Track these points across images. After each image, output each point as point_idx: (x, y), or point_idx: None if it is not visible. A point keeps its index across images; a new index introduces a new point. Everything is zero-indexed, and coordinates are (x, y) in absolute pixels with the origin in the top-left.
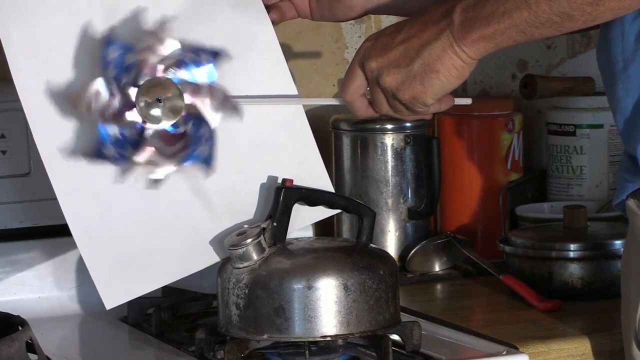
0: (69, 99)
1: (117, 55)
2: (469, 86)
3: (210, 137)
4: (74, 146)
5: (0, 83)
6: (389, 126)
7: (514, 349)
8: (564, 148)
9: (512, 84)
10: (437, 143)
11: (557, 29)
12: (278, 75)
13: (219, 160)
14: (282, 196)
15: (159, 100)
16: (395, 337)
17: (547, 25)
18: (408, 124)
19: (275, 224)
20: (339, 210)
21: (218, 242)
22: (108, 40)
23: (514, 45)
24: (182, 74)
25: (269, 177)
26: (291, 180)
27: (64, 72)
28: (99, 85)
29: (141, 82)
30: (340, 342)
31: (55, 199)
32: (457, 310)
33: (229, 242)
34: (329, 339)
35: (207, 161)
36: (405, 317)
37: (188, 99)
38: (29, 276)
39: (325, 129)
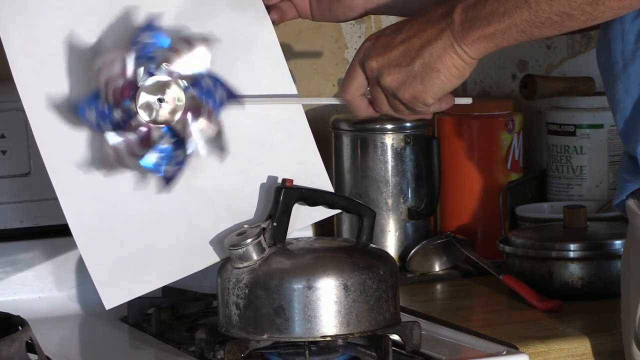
0: (94, 71)
1: (149, 41)
2: (469, 86)
3: (182, 160)
4: (82, 156)
5: (0, 83)
6: (389, 126)
7: (514, 349)
8: (564, 148)
9: (512, 84)
10: (437, 143)
11: (558, 28)
12: (278, 75)
13: (228, 148)
14: (282, 196)
15: (159, 101)
16: (395, 337)
17: (547, 25)
18: (408, 124)
19: (275, 224)
20: (339, 210)
21: (218, 242)
22: (148, 24)
23: (514, 45)
24: (177, 69)
25: (269, 177)
26: (291, 180)
27: (63, 80)
28: (117, 55)
29: (155, 74)
30: (340, 342)
31: (55, 199)
32: (457, 310)
33: (229, 242)
34: (329, 339)
35: (167, 180)
36: (405, 317)
37: (187, 92)
38: (29, 276)
39: (325, 129)
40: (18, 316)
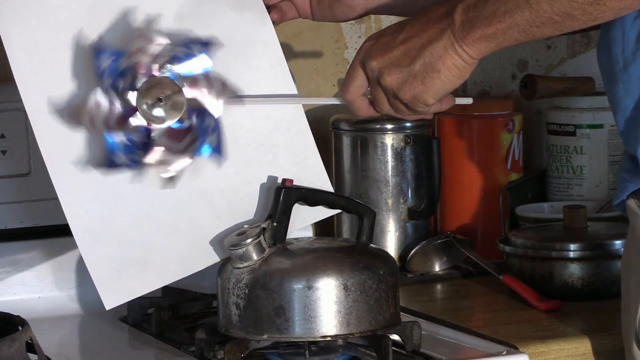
0: (71, 114)
1: (110, 62)
2: (469, 86)
3: (216, 126)
4: (85, 159)
5: (0, 83)
6: (389, 126)
7: (514, 349)
8: (564, 148)
9: (512, 84)
10: (437, 143)
11: (558, 28)
12: (278, 75)
13: (227, 143)
14: (282, 196)
15: (159, 100)
16: (395, 337)
17: (548, 25)
18: (408, 124)
19: (275, 224)
20: (338, 210)
21: (218, 242)
22: (98, 49)
23: (515, 45)
24: (178, 69)
25: (269, 177)
26: (291, 180)
27: (63, 81)
28: (98, 96)
29: (139, 85)
30: (340, 342)
31: (55, 198)
32: (457, 310)
33: (229, 242)
34: (329, 339)
35: (217, 150)
36: (405, 317)
37: (188, 92)
38: (29, 276)
39: (325, 129)
40: (18, 316)
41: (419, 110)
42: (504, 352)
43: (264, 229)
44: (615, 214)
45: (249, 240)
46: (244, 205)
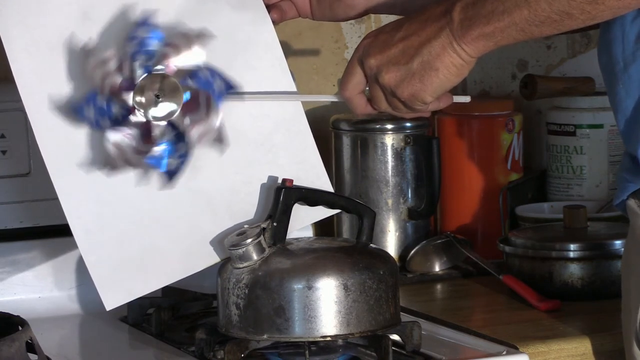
0: (79, 56)
1: (145, 36)
2: (469, 86)
3: (185, 153)
4: (82, 156)
5: (1, 83)
6: (389, 126)
7: (514, 349)
8: (564, 148)
9: (512, 84)
10: (437, 143)
11: (557, 27)
12: (278, 75)
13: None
14: (282, 196)
15: (157, 97)
16: (395, 337)
17: (546, 24)
18: (408, 124)
19: (275, 224)
20: (338, 210)
21: (218, 242)
22: (144, 20)
23: (514, 43)
24: (174, 65)
25: (269, 177)
26: (291, 180)
27: (63, 81)
28: (112, 53)
29: (152, 70)
30: (340, 342)
31: (55, 198)
32: (457, 310)
33: (229, 242)
34: (329, 339)
35: (170, 174)
36: (405, 317)
37: (185, 88)
38: (29, 276)
39: (325, 129)
40: (18, 316)
41: (417, 109)
42: (504, 352)
43: (264, 229)
44: (615, 214)
45: (249, 240)
46: (244, 205)
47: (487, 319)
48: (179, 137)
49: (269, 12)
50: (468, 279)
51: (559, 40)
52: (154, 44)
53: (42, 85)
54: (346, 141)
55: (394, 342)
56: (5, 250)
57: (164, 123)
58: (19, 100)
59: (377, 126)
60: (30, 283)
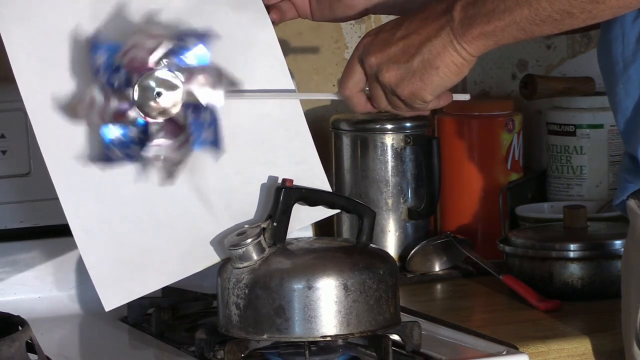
0: (69, 110)
1: (105, 58)
2: (469, 86)
3: (213, 120)
4: (84, 153)
5: (1, 83)
6: (389, 126)
7: (514, 349)
8: (564, 148)
9: (512, 84)
10: (437, 143)
11: (557, 26)
12: (278, 75)
13: (226, 142)
14: (282, 196)
15: (157, 94)
16: (395, 337)
17: (547, 23)
18: (408, 124)
19: (275, 224)
20: (337, 210)
21: (218, 242)
22: (93, 44)
23: (514, 43)
24: (175, 62)
25: (269, 177)
26: (291, 181)
27: (63, 79)
28: (94, 91)
29: (136, 80)
30: (340, 342)
31: (55, 198)
32: (457, 310)
33: (229, 242)
34: (329, 339)
35: (215, 143)
36: (405, 317)
37: (186, 85)
38: (29, 276)
39: (325, 129)
40: (18, 316)
41: (417, 107)
42: (504, 352)
43: (264, 229)
44: (615, 214)
45: (249, 240)
46: (244, 205)
47: (487, 319)
48: (177, 136)
49: (268, 12)
50: (468, 279)
51: (559, 40)
52: (117, 59)
53: (43, 85)
54: (346, 141)
55: (394, 342)
56: (5, 250)
57: (163, 121)
58: (19, 100)
59: (377, 126)
60: (30, 283)
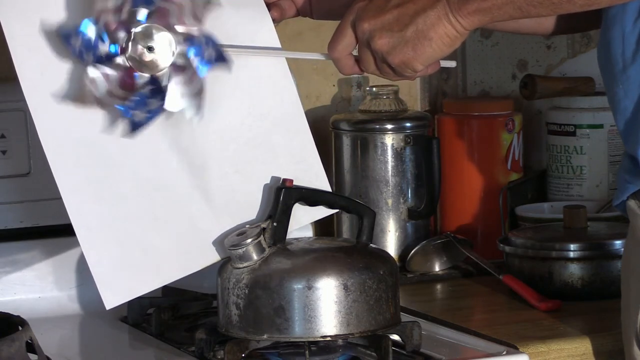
0: (76, 101)
1: (80, 38)
2: (469, 86)
3: (200, 89)
4: (63, 92)
5: (1, 83)
6: (389, 126)
7: (514, 349)
8: (564, 148)
9: (512, 84)
10: (437, 143)
11: (554, 9)
12: (278, 74)
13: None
14: (282, 196)
15: (149, 49)
16: (395, 337)
17: (544, 5)
18: (408, 124)
19: (275, 224)
20: (336, 210)
21: (218, 242)
22: (62, 35)
23: (513, 44)
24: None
25: (269, 177)
26: (291, 181)
27: (66, 76)
28: (90, 74)
29: (133, 29)
30: (340, 342)
31: (56, 198)
32: (457, 310)
33: (229, 242)
34: (329, 339)
35: (197, 108)
36: (405, 317)
37: (179, 47)
38: (29, 276)
39: (325, 129)
40: (18, 316)
41: (405, 75)
42: (504, 352)
43: (264, 229)
44: (615, 214)
45: (249, 240)
46: (244, 205)
47: (487, 319)
48: (156, 92)
49: (269, 10)
50: (468, 279)
51: (559, 40)
52: (91, 33)
53: (45, 81)
54: (346, 141)
55: (394, 342)
56: (5, 250)
57: (146, 75)
58: (19, 100)
59: (377, 126)
60: (30, 283)
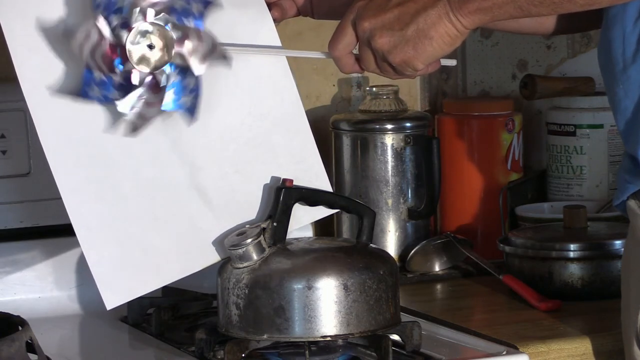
0: (61, 38)
1: None
2: (469, 86)
3: (195, 87)
4: (59, 85)
5: (1, 83)
6: (389, 126)
7: (514, 349)
8: (564, 148)
9: (512, 84)
10: (437, 143)
11: (555, 9)
12: (279, 74)
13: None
14: (282, 196)
15: (149, 47)
16: (395, 337)
17: (545, 4)
18: (408, 124)
19: (275, 224)
20: (336, 210)
21: (218, 242)
22: None
23: (512, 44)
24: (172, 20)
25: (269, 177)
26: (291, 181)
27: (65, 74)
28: (89, 26)
29: (133, 26)
30: (340, 342)
31: (56, 198)
32: (457, 310)
33: (229, 242)
34: (329, 339)
35: (190, 110)
36: (405, 317)
37: (177, 47)
38: (29, 276)
39: (325, 129)
40: (18, 316)
41: (406, 74)
42: (504, 352)
43: (264, 229)
44: (615, 214)
45: (249, 240)
46: (244, 205)
47: (487, 319)
48: (183, 72)
49: (269, 10)
50: (468, 279)
51: (559, 40)
52: (120, 0)
53: (44, 80)
54: (346, 141)
55: (394, 342)
56: (5, 250)
57: (166, 67)
58: (19, 100)
59: (377, 126)
60: (30, 283)
